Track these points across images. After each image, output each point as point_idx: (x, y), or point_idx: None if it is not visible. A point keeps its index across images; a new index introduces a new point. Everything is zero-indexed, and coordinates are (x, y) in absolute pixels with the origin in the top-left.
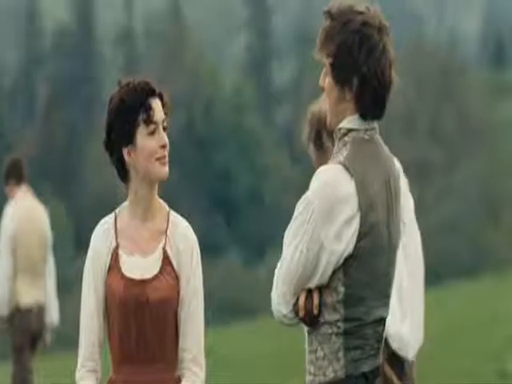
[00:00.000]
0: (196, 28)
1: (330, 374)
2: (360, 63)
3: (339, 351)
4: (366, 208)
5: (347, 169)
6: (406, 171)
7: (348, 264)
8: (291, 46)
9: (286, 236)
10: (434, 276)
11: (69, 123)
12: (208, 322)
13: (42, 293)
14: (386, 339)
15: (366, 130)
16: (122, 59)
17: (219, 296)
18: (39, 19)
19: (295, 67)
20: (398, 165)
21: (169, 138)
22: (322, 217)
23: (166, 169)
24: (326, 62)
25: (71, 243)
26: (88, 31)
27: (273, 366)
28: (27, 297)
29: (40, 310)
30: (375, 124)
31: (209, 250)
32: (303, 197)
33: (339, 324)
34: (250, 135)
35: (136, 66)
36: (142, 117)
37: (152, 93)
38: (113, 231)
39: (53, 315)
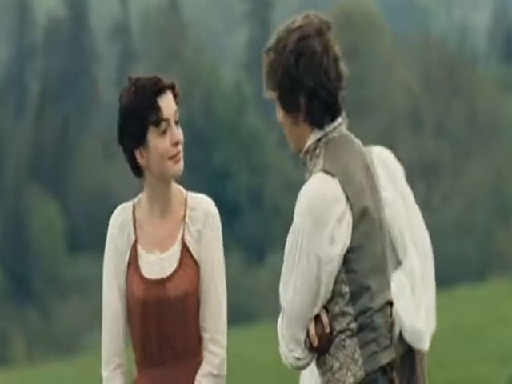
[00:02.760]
0: (194, 22)
1: (350, 380)
2: (302, 79)
3: (355, 352)
4: (354, 196)
5: (327, 172)
6: (411, 170)
7: (348, 260)
8: None
9: (283, 271)
10: (441, 279)
11: (61, 119)
12: None
13: None
14: (400, 333)
15: (334, 128)
16: (118, 54)
17: None
18: (31, 11)
19: None
20: (379, 148)
21: None
22: (312, 233)
23: (180, 166)
24: (273, 96)
25: (64, 244)
26: (82, 24)
27: (274, 373)
28: None
29: None
30: (339, 120)
31: None
32: (291, 226)
33: (351, 325)
34: (251, 133)
35: (132, 60)
36: (151, 118)
37: (161, 90)
38: (131, 224)
39: None
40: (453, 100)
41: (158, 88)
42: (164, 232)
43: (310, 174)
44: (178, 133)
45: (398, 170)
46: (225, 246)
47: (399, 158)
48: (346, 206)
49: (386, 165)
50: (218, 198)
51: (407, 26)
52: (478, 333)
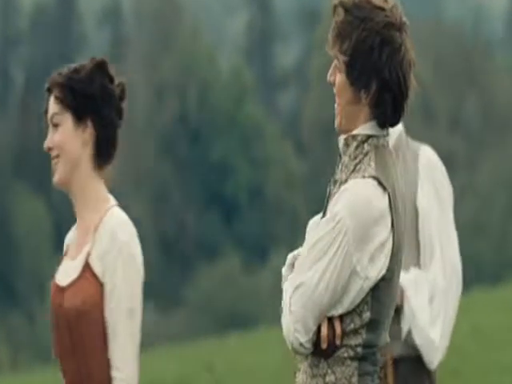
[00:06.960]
0: (190, 5)
1: None
2: (381, 67)
3: (353, 376)
4: (396, 227)
5: (381, 183)
6: None
7: (378, 287)
8: (296, 25)
9: (304, 255)
10: None
11: None
12: (205, 332)
13: None
14: (412, 339)
15: (385, 136)
16: (108, 40)
17: (217, 304)
18: None
19: (300, 48)
20: (431, 153)
21: (160, 126)
22: (356, 240)
23: (55, 175)
24: (340, 58)
25: (50, 243)
26: (70, 8)
27: (277, 382)
28: None
29: None
30: (390, 130)
31: (205, 251)
32: (330, 215)
33: (358, 349)
34: (251, 124)
35: (123, 47)
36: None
37: (49, 88)
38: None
39: None
40: (467, 90)
41: (48, 85)
42: (77, 237)
43: (354, 168)
44: (49, 139)
45: (445, 177)
46: (224, 245)
47: None
48: (390, 234)
49: (433, 169)
50: (216, 195)
51: (418, 11)
52: (495, 339)
